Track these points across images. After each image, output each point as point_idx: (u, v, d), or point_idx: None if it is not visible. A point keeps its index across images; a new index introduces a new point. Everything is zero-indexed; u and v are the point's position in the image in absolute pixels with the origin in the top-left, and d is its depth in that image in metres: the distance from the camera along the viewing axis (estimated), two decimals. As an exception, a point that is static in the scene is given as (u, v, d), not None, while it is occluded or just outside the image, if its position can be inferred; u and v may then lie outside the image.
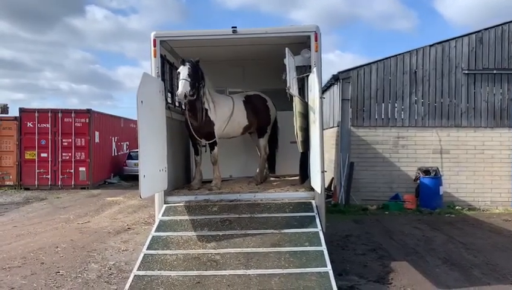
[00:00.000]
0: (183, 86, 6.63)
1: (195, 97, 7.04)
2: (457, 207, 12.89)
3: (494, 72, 13.22)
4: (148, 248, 5.81)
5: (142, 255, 5.70)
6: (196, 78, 6.94)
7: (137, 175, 5.80)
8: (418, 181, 12.89)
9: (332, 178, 14.47)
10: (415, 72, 13.37)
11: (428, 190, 12.61)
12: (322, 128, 6.34)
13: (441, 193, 12.70)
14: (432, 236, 9.51)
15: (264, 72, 9.46)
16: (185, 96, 6.65)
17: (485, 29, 13.33)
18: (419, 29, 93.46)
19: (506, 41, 13.22)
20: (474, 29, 13.45)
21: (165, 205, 6.79)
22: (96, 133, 19.35)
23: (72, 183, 18.51)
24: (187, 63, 6.86)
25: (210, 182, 7.88)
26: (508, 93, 13.23)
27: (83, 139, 18.61)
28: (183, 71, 6.78)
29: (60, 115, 18.49)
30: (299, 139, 6.76)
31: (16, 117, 18.62)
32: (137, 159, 6.04)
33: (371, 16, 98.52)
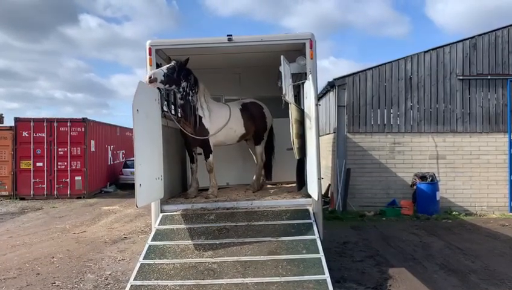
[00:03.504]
0: (154, 71, 6.66)
1: (183, 102, 7.09)
2: (454, 212, 12.90)
3: (489, 77, 13.31)
4: (144, 257, 5.78)
5: (138, 264, 5.66)
6: (177, 75, 6.92)
7: (134, 184, 5.77)
8: (415, 187, 12.90)
9: (329, 185, 14.47)
10: (410, 78, 13.45)
11: (425, 196, 12.62)
12: (318, 135, 6.34)
13: (437, 198, 12.72)
14: (430, 242, 9.50)
15: (259, 79, 9.48)
16: (151, 80, 6.52)
17: (479, 35, 13.44)
18: (411, 35, 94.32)
19: (500, 46, 13.33)
20: (467, 35, 13.58)
21: (161, 214, 6.76)
22: (92, 142, 19.30)
23: (68, 192, 18.44)
24: (173, 61, 6.97)
25: (206, 190, 7.86)
26: (503, 98, 13.31)
27: (78, 148, 18.56)
28: (165, 65, 6.91)
29: (55, 124, 18.45)
30: (296, 146, 6.76)
31: (11, 126, 18.59)
32: (133, 168, 6.03)
33: (363, 22, 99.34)
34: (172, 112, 8.09)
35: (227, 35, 6.98)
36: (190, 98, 7.18)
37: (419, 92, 13.43)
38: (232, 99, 9.29)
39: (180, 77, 6.99)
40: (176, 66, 6.91)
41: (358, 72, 13.61)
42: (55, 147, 18.40)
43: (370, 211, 12.89)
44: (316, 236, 6.02)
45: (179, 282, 5.26)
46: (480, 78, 13.35)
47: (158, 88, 7.10)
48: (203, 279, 5.30)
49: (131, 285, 5.27)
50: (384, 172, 13.38)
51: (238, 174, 9.56)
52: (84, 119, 18.80)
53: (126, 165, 21.64)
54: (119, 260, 8.42)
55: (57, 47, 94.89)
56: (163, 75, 6.72)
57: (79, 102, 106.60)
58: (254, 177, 8.54)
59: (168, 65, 6.92)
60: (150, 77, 6.55)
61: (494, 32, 13.40)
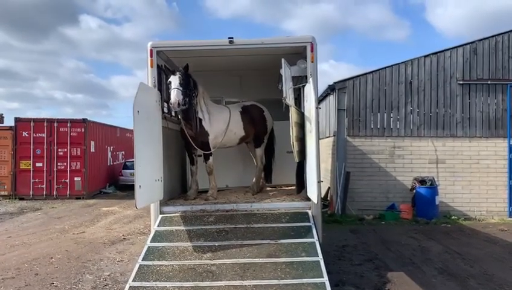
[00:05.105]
0: (175, 94, 6.65)
1: (187, 106, 7.06)
2: (453, 217, 12.89)
3: (489, 82, 13.34)
4: (143, 259, 5.77)
5: (137, 265, 5.65)
6: (188, 86, 6.94)
7: (133, 185, 5.78)
8: (414, 191, 12.91)
9: (329, 188, 14.47)
10: (411, 82, 13.47)
11: (424, 200, 12.63)
12: (318, 138, 6.34)
13: (437, 202, 12.72)
14: (428, 246, 9.50)
15: (260, 82, 9.50)
16: (179, 104, 6.66)
17: (479, 40, 13.47)
18: (411, 39, 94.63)
19: (500, 52, 13.37)
20: (467, 40, 13.64)
21: (160, 215, 6.75)
22: (92, 143, 19.31)
23: (67, 193, 18.43)
24: (177, 73, 6.88)
25: (206, 192, 7.85)
26: (503, 103, 13.34)
27: (78, 149, 18.57)
28: (174, 80, 6.79)
29: (55, 124, 18.46)
30: (296, 149, 6.77)
31: (11, 126, 18.60)
32: (133, 169, 6.02)
33: (364, 25, 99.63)
34: (173, 113, 8.10)
35: (229, 38, 6.98)
36: (191, 101, 7.18)
37: (419, 96, 13.45)
38: (232, 102, 9.30)
39: (187, 86, 6.98)
40: (183, 78, 6.87)
41: (358, 75, 13.62)
42: (55, 147, 18.40)
43: (369, 215, 12.89)
44: (315, 239, 6.02)
45: (178, 284, 5.26)
46: (480, 83, 13.38)
47: (159, 90, 7.13)
48: (202, 281, 5.29)
49: (130, 286, 5.27)
50: (384, 176, 13.38)
51: (237, 177, 9.56)
52: (84, 120, 18.81)
53: (126, 166, 21.65)
54: (117, 261, 8.41)
55: (57, 47, 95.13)
56: (182, 93, 6.75)
57: (79, 103, 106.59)
58: (254, 180, 8.53)
59: (177, 81, 6.75)
60: (179, 104, 6.66)
61: (494, 38, 13.44)
